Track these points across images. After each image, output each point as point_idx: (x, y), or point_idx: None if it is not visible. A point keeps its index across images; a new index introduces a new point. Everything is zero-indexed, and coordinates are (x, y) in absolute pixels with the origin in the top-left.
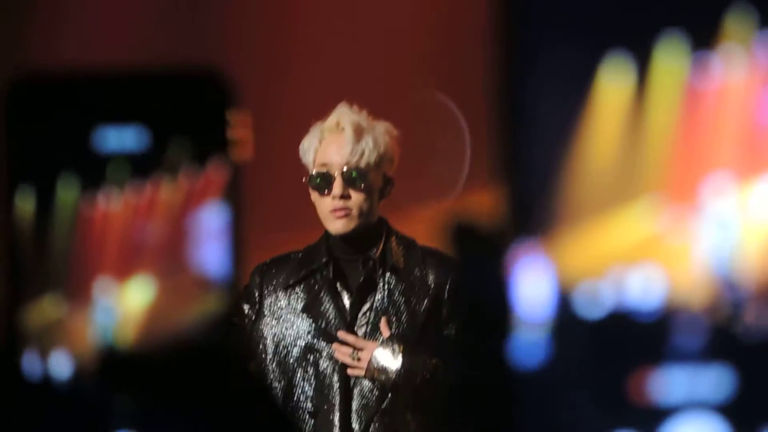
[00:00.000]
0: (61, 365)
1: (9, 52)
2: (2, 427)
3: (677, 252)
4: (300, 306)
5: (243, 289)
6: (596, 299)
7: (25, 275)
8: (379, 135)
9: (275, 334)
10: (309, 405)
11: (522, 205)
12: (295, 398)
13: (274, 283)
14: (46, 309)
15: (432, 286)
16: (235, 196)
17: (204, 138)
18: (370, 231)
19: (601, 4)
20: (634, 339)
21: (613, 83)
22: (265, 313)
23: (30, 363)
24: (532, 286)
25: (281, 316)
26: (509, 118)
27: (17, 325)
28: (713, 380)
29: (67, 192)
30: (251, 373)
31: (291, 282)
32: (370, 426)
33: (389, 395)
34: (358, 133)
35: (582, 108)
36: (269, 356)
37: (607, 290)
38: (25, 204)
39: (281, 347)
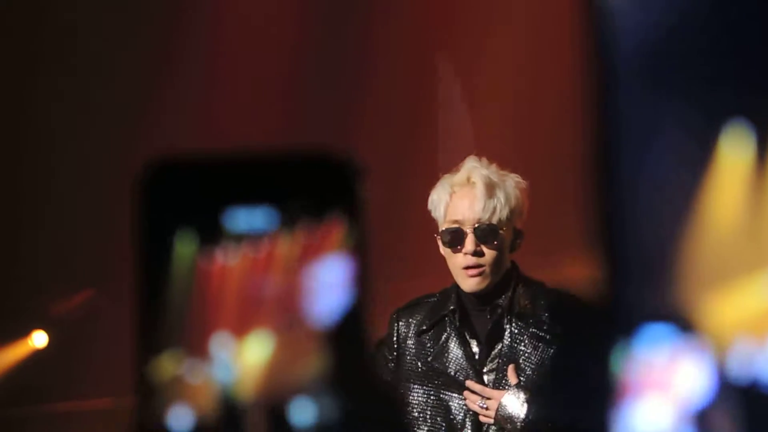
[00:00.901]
0: (181, 420)
1: (138, 140)
2: None
3: None
4: (430, 353)
5: (384, 337)
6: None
7: (149, 332)
8: (510, 189)
9: (408, 380)
10: None
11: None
12: None
13: (409, 328)
14: (166, 365)
15: (560, 332)
16: (362, 247)
17: (332, 217)
18: (500, 280)
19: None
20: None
21: (734, 150)
22: (403, 359)
23: (167, 417)
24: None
25: (414, 363)
26: (615, 190)
27: (149, 380)
28: None
29: (184, 246)
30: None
31: (423, 328)
32: None
33: None
34: (490, 188)
35: (701, 176)
36: (405, 403)
37: (735, 362)
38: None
39: (414, 394)
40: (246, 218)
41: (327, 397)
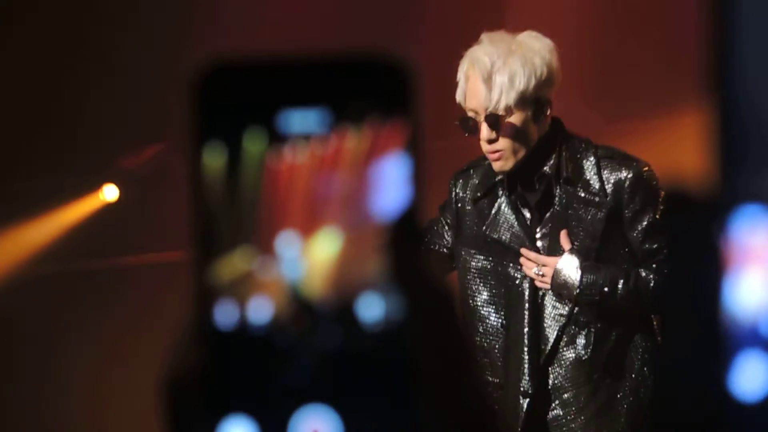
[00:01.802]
0: (259, 313)
1: (195, 45)
2: (202, 375)
3: None
4: (486, 221)
5: (445, 201)
6: None
7: (217, 229)
8: (517, 66)
9: (469, 245)
10: (501, 319)
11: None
12: (485, 312)
13: (466, 192)
14: (237, 261)
15: (610, 191)
16: (417, 148)
17: (386, 116)
18: (541, 147)
19: None
20: None
21: None
22: (462, 224)
23: (226, 313)
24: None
25: (473, 229)
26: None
27: (208, 278)
28: None
29: (254, 145)
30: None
31: (478, 195)
32: (560, 338)
33: (575, 308)
34: (488, 78)
35: None
36: (461, 270)
37: None
38: (215, 160)
39: (474, 260)
40: (301, 120)
41: (393, 293)
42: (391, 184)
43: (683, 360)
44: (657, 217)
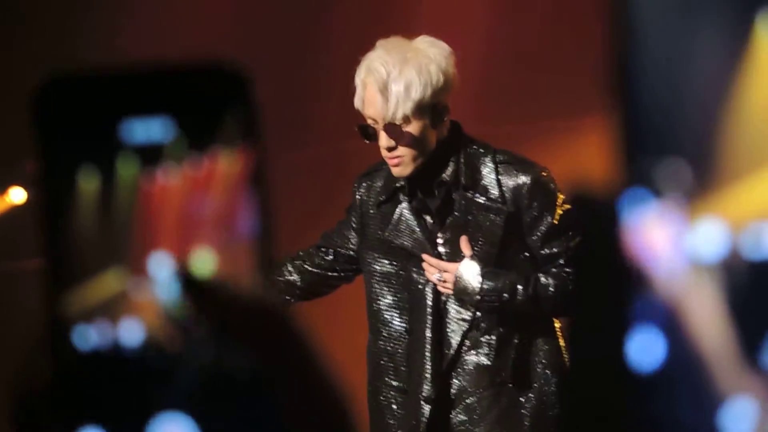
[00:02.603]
0: (131, 334)
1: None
2: (74, 398)
3: None
4: (388, 226)
5: (350, 204)
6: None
7: (89, 250)
8: (415, 75)
9: (373, 249)
10: (404, 324)
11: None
12: (388, 317)
13: (369, 196)
14: (109, 281)
15: (508, 196)
16: (261, 179)
17: (227, 127)
18: (440, 151)
19: None
20: None
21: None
22: (367, 228)
23: (95, 333)
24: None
25: (376, 233)
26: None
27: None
28: None
29: (127, 168)
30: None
31: (381, 199)
32: (463, 342)
33: (476, 313)
34: (384, 89)
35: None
36: (366, 274)
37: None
38: (88, 183)
39: (377, 265)
40: (142, 130)
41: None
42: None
43: (588, 356)
44: (555, 221)
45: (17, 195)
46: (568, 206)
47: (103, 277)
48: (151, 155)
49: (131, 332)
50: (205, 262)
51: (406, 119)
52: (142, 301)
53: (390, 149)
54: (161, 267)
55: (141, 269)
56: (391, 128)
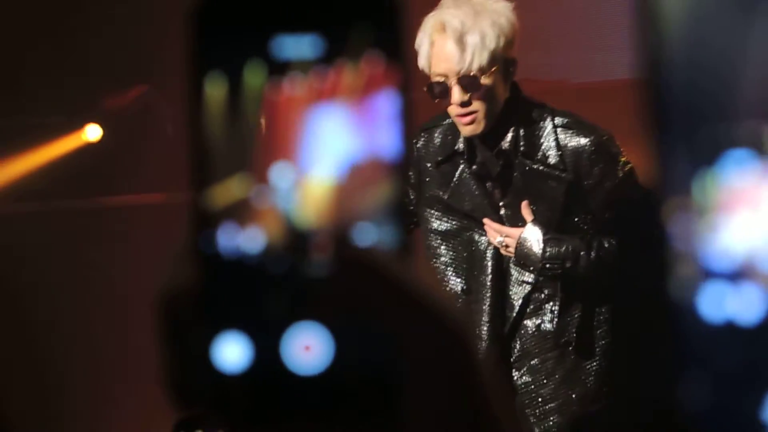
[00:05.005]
0: (253, 240)
1: None
2: (197, 294)
3: None
4: (446, 189)
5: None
6: None
7: (215, 157)
8: (488, 27)
9: (431, 206)
10: (461, 283)
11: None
12: (446, 275)
13: (428, 151)
14: (233, 188)
15: (569, 162)
16: (407, 85)
17: (379, 40)
18: (504, 112)
19: None
20: None
21: None
22: (424, 185)
23: (223, 237)
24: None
25: (435, 192)
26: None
27: (204, 203)
28: None
29: (254, 76)
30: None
31: (438, 159)
32: (526, 305)
33: (538, 278)
34: (459, 40)
35: None
36: (425, 231)
37: None
38: (215, 90)
39: (436, 223)
40: (294, 46)
41: (388, 222)
42: (384, 120)
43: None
44: (617, 185)
45: (93, 132)
46: (630, 168)
47: (229, 184)
48: (279, 67)
49: (254, 239)
50: (327, 172)
51: (482, 70)
52: (264, 209)
53: (464, 104)
54: (283, 177)
55: (263, 178)
56: (468, 80)
